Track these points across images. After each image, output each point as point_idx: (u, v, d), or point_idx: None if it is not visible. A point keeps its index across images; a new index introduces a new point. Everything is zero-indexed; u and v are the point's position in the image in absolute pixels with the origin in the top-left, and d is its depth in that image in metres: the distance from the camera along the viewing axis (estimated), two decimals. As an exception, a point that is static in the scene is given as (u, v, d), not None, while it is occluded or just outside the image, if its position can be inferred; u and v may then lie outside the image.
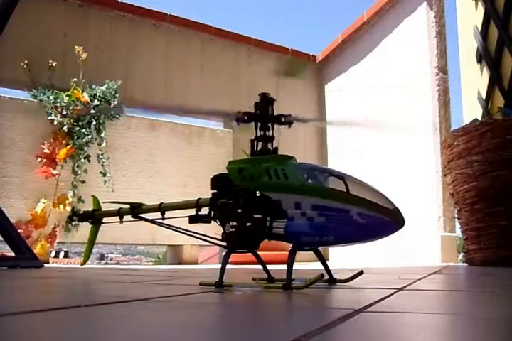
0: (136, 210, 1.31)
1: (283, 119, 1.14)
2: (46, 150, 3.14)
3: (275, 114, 1.15)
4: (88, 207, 1.52)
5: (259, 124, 1.13)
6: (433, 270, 2.01)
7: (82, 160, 3.23)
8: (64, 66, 3.38)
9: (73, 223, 3.09)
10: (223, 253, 1.12)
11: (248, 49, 4.46)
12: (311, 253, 1.12)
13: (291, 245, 1.04)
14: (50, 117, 3.19)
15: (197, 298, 0.90)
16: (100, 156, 3.28)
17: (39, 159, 3.13)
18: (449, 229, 3.45)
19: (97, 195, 1.54)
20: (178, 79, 3.98)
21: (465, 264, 2.81)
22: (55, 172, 3.14)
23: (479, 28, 3.48)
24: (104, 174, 3.28)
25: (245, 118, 1.13)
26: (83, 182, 3.22)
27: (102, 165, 3.28)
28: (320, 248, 1.12)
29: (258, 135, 1.13)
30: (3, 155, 3.12)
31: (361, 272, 1.21)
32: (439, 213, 3.46)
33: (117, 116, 3.39)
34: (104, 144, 3.30)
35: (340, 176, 1.00)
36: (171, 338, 0.48)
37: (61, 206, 3.11)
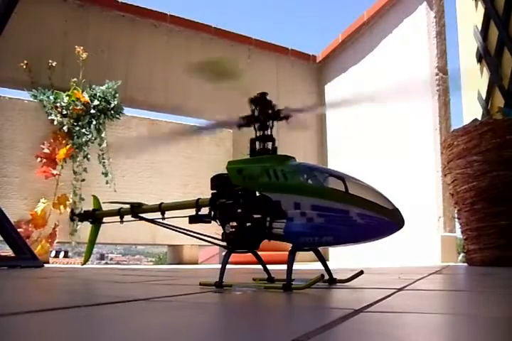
0: (136, 210, 1.32)
1: (281, 114, 1.12)
2: (46, 150, 3.14)
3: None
4: (88, 206, 1.52)
5: (257, 124, 1.13)
6: (433, 270, 2.01)
7: (82, 159, 3.24)
8: (64, 66, 3.38)
9: (74, 224, 3.09)
10: (223, 253, 1.12)
11: (248, 49, 4.46)
12: (311, 253, 1.12)
13: (291, 245, 1.04)
14: (50, 117, 3.19)
15: (197, 298, 0.90)
16: (102, 156, 3.29)
17: (39, 159, 3.13)
18: (449, 229, 3.45)
19: (97, 195, 1.54)
20: (178, 79, 3.98)
21: (465, 264, 2.80)
22: (55, 172, 3.14)
23: (479, 28, 3.48)
24: (106, 174, 3.28)
25: (246, 122, 1.12)
26: (83, 180, 3.23)
27: (104, 165, 3.29)
28: (320, 248, 1.12)
29: (257, 135, 1.13)
30: (3, 155, 3.12)
31: (361, 272, 1.21)
32: (439, 213, 3.46)
33: (117, 116, 3.40)
34: (104, 144, 3.30)
35: (340, 176, 1.00)
36: (171, 338, 0.48)
37: (61, 207, 3.11)
